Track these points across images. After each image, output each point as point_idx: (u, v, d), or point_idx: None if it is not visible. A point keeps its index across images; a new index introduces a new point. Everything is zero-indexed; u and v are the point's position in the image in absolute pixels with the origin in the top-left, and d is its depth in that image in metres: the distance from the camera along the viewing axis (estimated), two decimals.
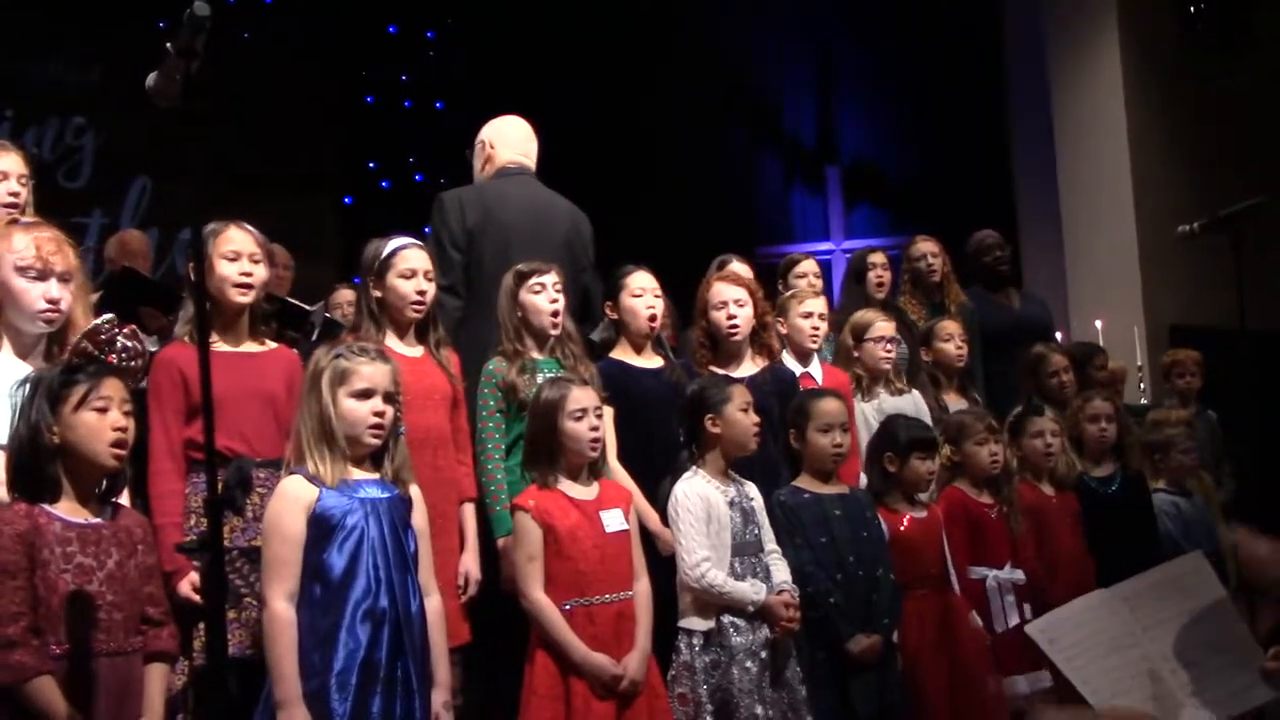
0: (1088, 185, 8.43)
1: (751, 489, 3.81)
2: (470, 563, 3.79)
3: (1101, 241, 8.28)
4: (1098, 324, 7.10)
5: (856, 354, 4.88)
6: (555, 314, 4.04)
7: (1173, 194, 7.99)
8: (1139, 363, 7.03)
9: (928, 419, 4.65)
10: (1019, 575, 4.31)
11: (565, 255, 4.46)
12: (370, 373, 3.06)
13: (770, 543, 3.77)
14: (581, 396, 3.52)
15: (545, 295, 4.04)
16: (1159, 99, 8.35)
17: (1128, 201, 8.11)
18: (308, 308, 4.54)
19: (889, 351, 4.83)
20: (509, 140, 4.68)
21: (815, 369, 4.71)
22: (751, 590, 3.60)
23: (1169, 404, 6.17)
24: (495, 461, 3.90)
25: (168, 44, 2.53)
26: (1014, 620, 4.23)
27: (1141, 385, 7.05)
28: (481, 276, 4.31)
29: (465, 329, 4.23)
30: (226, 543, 3.24)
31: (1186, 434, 5.21)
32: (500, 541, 3.82)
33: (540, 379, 3.88)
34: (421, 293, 3.83)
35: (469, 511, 3.86)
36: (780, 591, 3.66)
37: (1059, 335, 6.95)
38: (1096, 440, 4.92)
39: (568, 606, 3.39)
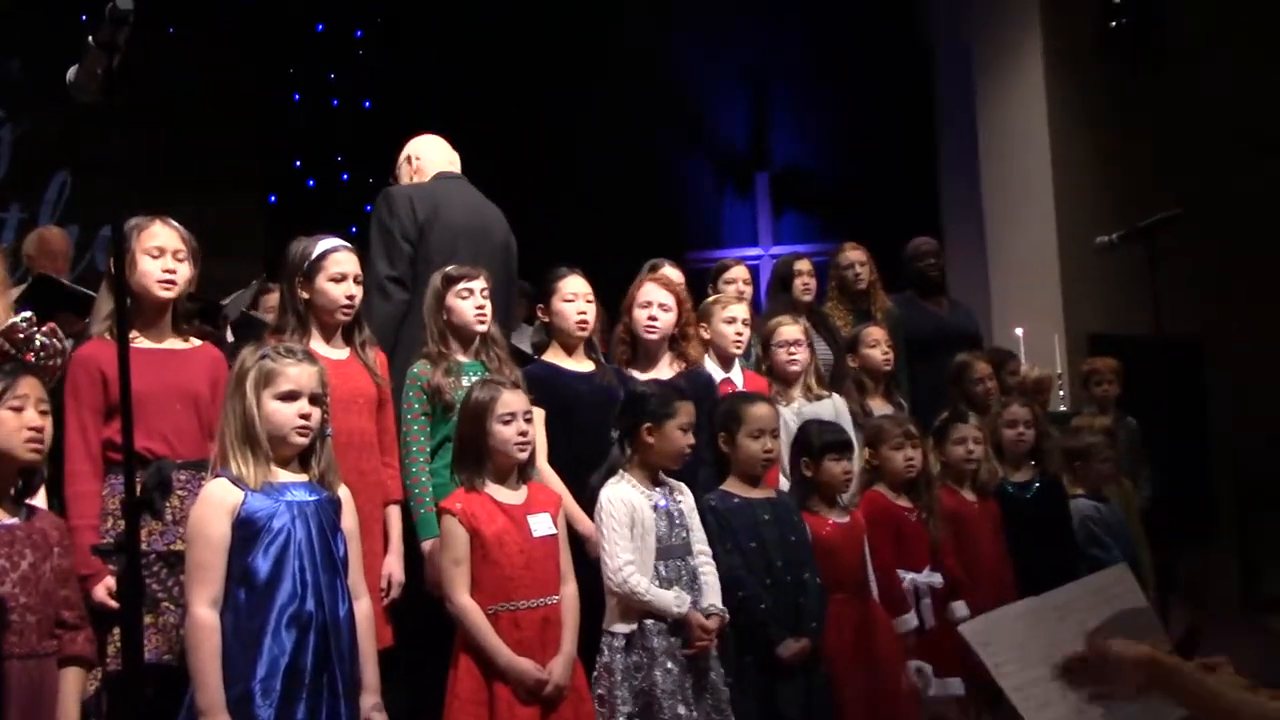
0: (1010, 195, 8.57)
1: (682, 492, 3.81)
2: (394, 565, 3.75)
3: (1023, 251, 8.41)
4: (1018, 332, 7.21)
5: (766, 359, 4.91)
6: (481, 319, 4.02)
7: (1093, 205, 8.15)
8: (1059, 370, 7.15)
9: (848, 423, 4.69)
10: (936, 579, 4.35)
11: (503, 258, 4.49)
12: (296, 374, 3.02)
13: (700, 544, 3.76)
14: (511, 400, 3.51)
15: (472, 300, 4.02)
16: (1080, 112, 8.51)
17: (1049, 212, 8.26)
18: (223, 302, 4.48)
19: (793, 355, 4.83)
20: (436, 152, 4.67)
21: (737, 374, 4.73)
22: (674, 600, 3.59)
23: (1088, 411, 6.28)
24: (420, 465, 3.88)
25: (89, 37, 2.48)
26: (930, 623, 4.28)
27: (1061, 392, 7.17)
28: (429, 273, 4.26)
29: (407, 325, 4.19)
30: (144, 546, 3.21)
31: (1106, 441, 5.30)
32: (425, 545, 3.79)
33: (466, 381, 3.87)
34: (351, 297, 3.78)
35: (394, 514, 3.82)
36: (709, 614, 3.65)
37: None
38: (1014, 445, 4.99)
39: (493, 611, 3.36)
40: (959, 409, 4.98)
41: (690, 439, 3.75)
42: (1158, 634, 2.76)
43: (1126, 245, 4.29)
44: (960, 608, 4.34)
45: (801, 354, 4.84)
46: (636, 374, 4.31)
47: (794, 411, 4.74)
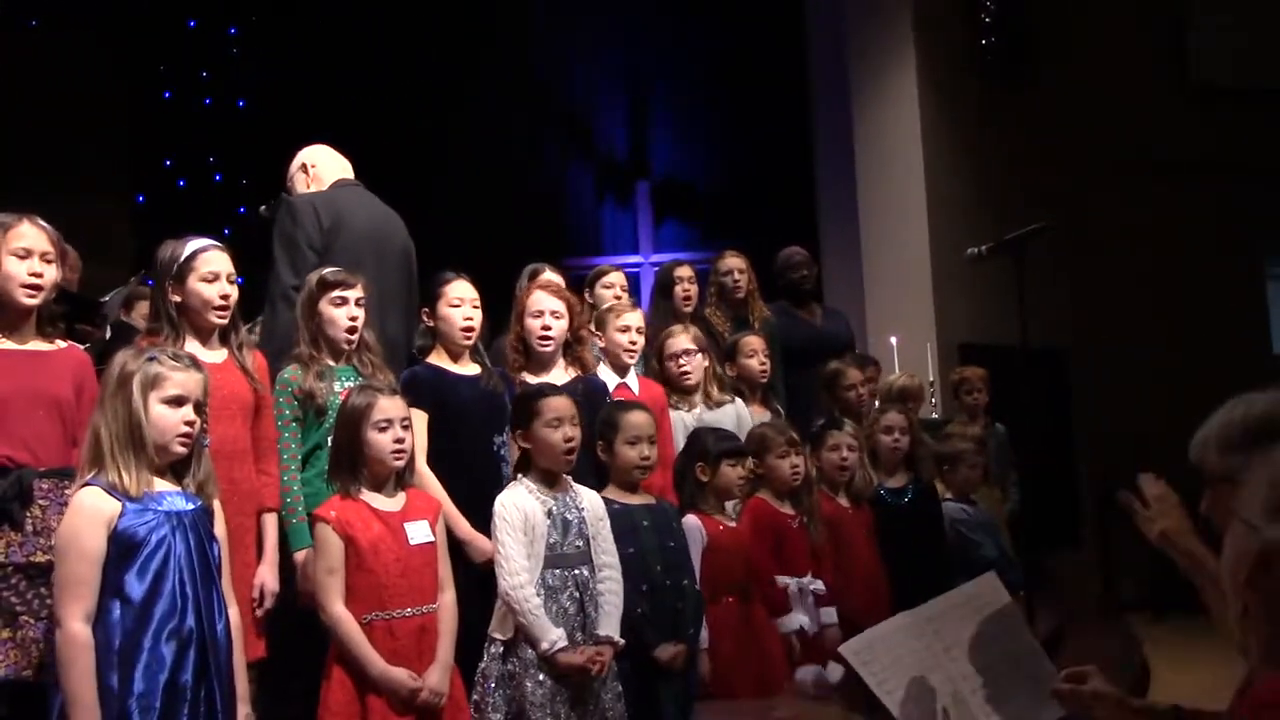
0: (885, 205, 8.74)
1: (584, 498, 3.76)
2: (267, 575, 3.68)
3: (897, 260, 8.58)
4: (893, 340, 7.34)
5: (660, 369, 4.94)
6: (352, 329, 3.99)
7: (964, 216, 8.36)
8: (931, 378, 7.29)
9: (749, 426, 4.74)
10: (819, 585, 4.40)
11: (405, 264, 4.48)
12: (183, 380, 2.96)
13: (605, 556, 3.71)
14: (388, 406, 3.48)
15: (346, 309, 3.98)
16: (953, 125, 8.73)
17: (922, 223, 8.44)
18: (101, 300, 4.35)
19: (683, 367, 4.87)
20: (331, 160, 4.64)
21: (632, 380, 4.75)
22: (547, 637, 3.50)
23: (959, 419, 6.42)
24: (292, 472, 3.83)
25: None
26: (814, 626, 4.33)
27: (933, 400, 7.31)
28: None
29: None
30: (2, 558, 3.10)
31: (975, 448, 5.42)
32: (297, 555, 3.74)
33: (338, 386, 3.84)
34: (225, 296, 3.70)
35: (269, 522, 3.75)
36: (599, 646, 3.57)
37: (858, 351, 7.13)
38: (890, 451, 5.07)
39: (368, 620, 3.33)
40: (833, 416, 5.04)
41: (564, 434, 3.68)
42: (1023, 634, 2.84)
43: (996, 256, 4.39)
44: (829, 614, 4.38)
45: (692, 363, 4.87)
46: (529, 378, 4.30)
47: (695, 418, 4.78)
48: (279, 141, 4.65)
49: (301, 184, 4.59)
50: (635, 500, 3.98)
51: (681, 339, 4.92)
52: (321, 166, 4.60)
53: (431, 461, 4.01)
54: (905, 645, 2.60)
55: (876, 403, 5.75)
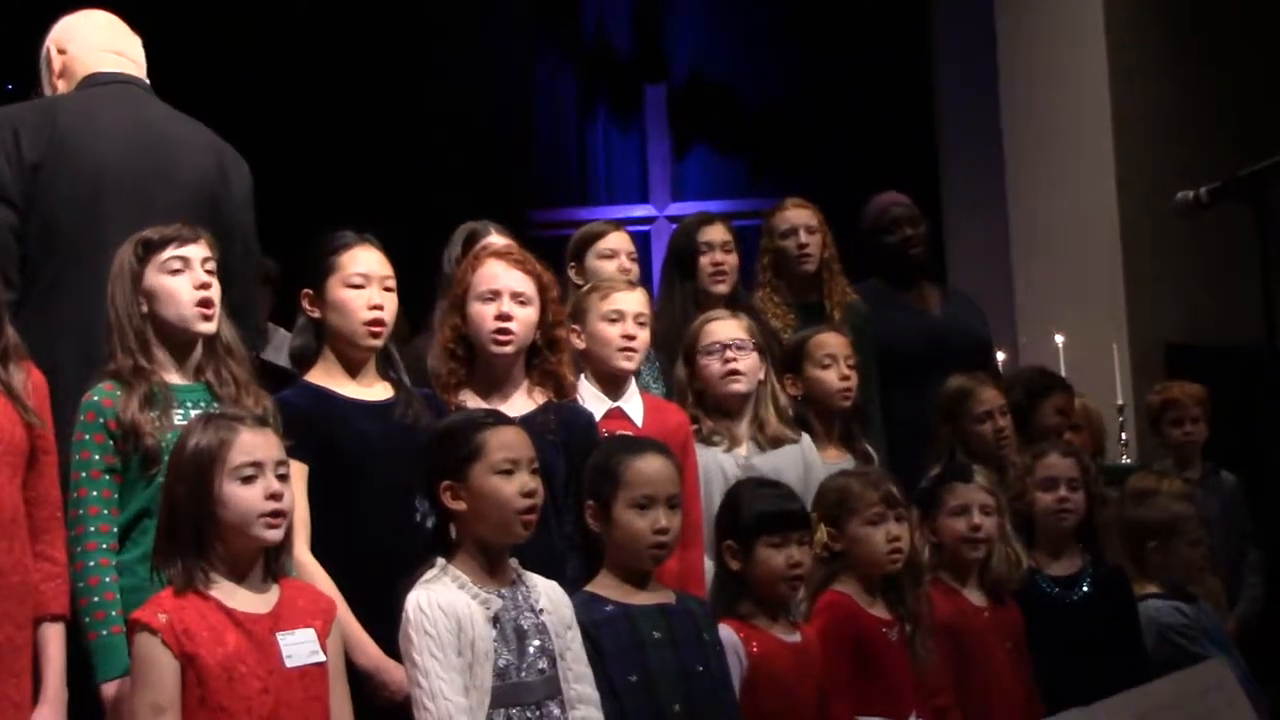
0: (1045, 132, 8.69)
1: (542, 593, 3.77)
2: None
3: (1064, 215, 8.53)
4: (1058, 340, 7.30)
5: (693, 378, 4.96)
6: (206, 306, 3.97)
7: (1171, 149, 8.28)
8: (1119, 401, 7.25)
9: (820, 477, 4.75)
10: None
11: (204, 214, 4.36)
12: None
13: (580, 685, 3.73)
14: (254, 444, 3.50)
15: (189, 277, 3.95)
16: (1155, 11, 8.67)
17: (1105, 157, 8.37)
18: None
19: (733, 367, 4.87)
20: (92, 36, 4.61)
21: (632, 403, 4.76)
22: None
23: (1161, 465, 6.38)
24: (102, 554, 3.78)
25: None
26: None
27: (1122, 436, 7.28)
28: (51, 248, 4.19)
29: (54, 334, 4.13)
30: None
31: (1196, 513, 5.38)
32: (106, 688, 3.70)
33: (180, 417, 3.83)
34: None
35: (53, 637, 3.72)
36: None
37: (999, 356, 7.11)
38: (1052, 518, 5.07)
39: None
40: (957, 460, 5.01)
41: (520, 487, 3.67)
42: None
43: (1222, 203, 4.37)
44: None
45: (745, 363, 4.90)
46: (472, 402, 4.31)
47: (738, 462, 4.80)
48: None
49: (48, 84, 4.60)
50: (643, 598, 3.97)
51: (728, 326, 4.96)
52: (76, 49, 4.57)
53: (315, 541, 4.00)
54: None
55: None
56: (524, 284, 4.38)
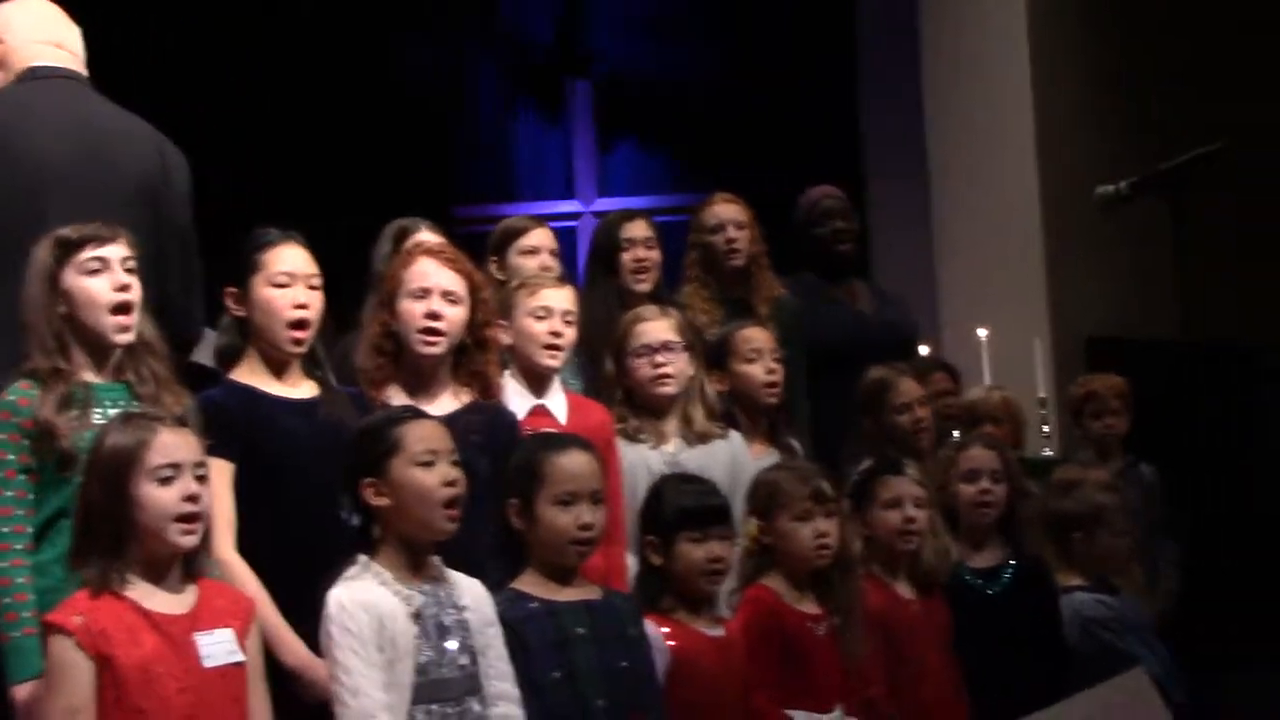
0: (968, 126, 8.72)
1: (464, 590, 3.78)
2: None
3: (987, 210, 8.57)
4: (981, 334, 7.33)
5: (621, 376, 4.96)
6: (124, 313, 3.94)
7: (1094, 142, 8.33)
8: (1040, 393, 7.28)
9: (752, 475, 4.75)
10: None
11: (144, 212, 4.39)
12: None
13: (501, 683, 3.73)
14: (172, 445, 3.48)
15: (108, 278, 3.93)
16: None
17: (1027, 151, 8.40)
18: None
19: (662, 369, 4.89)
20: (30, 27, 4.58)
21: (556, 401, 4.77)
22: None
23: (1083, 456, 6.40)
24: (15, 554, 3.76)
25: None
26: None
27: (1044, 428, 7.30)
28: None
29: None
30: None
31: (1119, 504, 5.40)
32: (18, 690, 3.68)
33: (99, 416, 3.80)
34: None
35: None
36: None
37: (923, 350, 7.13)
38: (975, 510, 5.09)
39: None
40: (886, 455, 5.01)
41: (441, 477, 3.68)
42: None
43: (1143, 198, 4.38)
44: None
45: (675, 365, 4.91)
46: (398, 399, 4.30)
47: (664, 459, 4.81)
48: None
49: None
50: (568, 594, 3.97)
51: (658, 326, 4.97)
52: (14, 40, 4.55)
53: (242, 539, 3.99)
54: None
55: (955, 434, 5.74)
56: (455, 283, 4.38)
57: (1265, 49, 8.88)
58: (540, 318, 4.74)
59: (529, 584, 3.96)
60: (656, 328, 4.97)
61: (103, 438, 3.54)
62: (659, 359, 4.91)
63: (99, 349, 3.96)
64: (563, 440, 4.18)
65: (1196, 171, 4.29)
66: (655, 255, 5.79)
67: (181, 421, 3.62)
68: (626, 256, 5.75)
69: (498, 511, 4.06)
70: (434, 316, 4.32)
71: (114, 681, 3.32)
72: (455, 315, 4.36)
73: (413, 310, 4.35)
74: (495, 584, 4.01)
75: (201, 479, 3.50)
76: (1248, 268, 8.55)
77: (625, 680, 3.93)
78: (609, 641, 3.95)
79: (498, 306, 4.74)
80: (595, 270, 5.88)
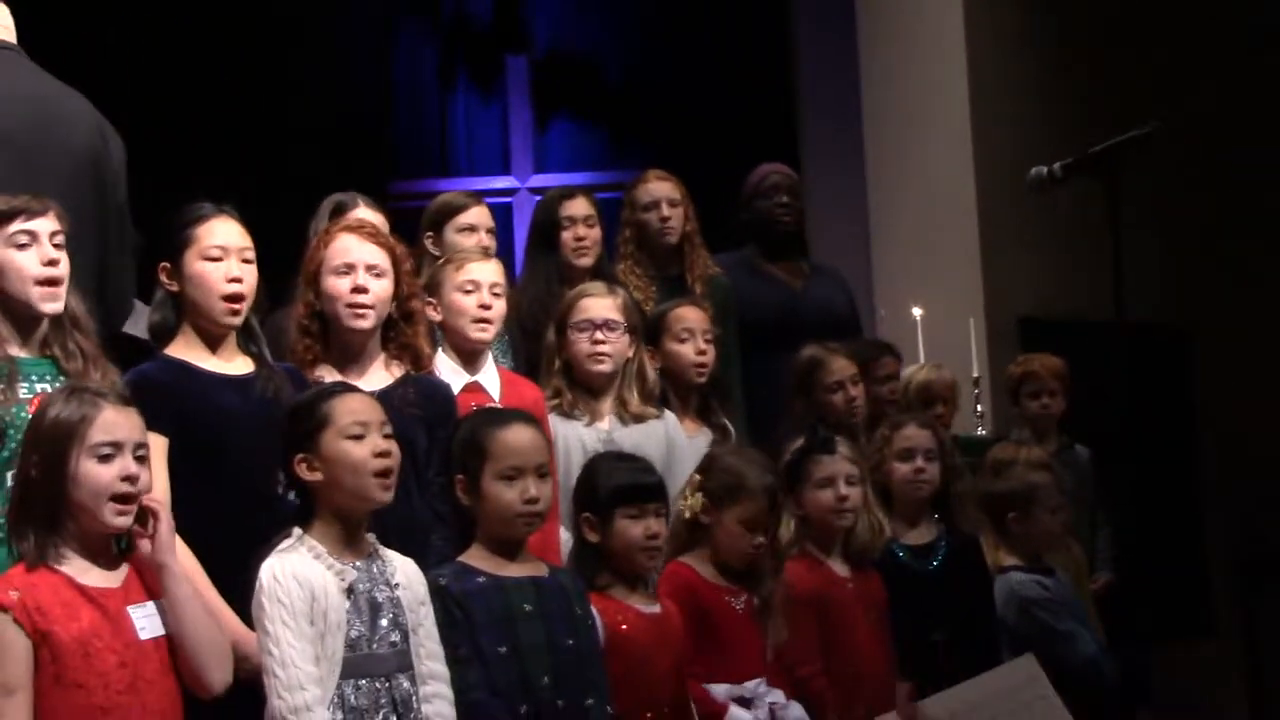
0: (902, 105, 8.74)
1: (398, 568, 3.77)
2: None
3: (921, 189, 8.59)
4: (915, 313, 7.35)
5: (561, 349, 4.99)
6: (51, 283, 3.91)
7: (1027, 123, 8.34)
8: (975, 373, 7.31)
9: (686, 456, 4.81)
10: (778, 695, 4.42)
11: (88, 182, 4.39)
12: None
13: (431, 662, 3.74)
14: (115, 423, 3.47)
15: (36, 252, 3.90)
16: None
17: (962, 131, 8.40)
18: None
19: (600, 346, 4.91)
20: None
21: (489, 376, 4.78)
22: None
23: (1019, 436, 6.44)
24: None
25: None
26: None
27: (978, 408, 7.34)
28: None
29: None
30: None
31: (1054, 482, 5.45)
32: None
33: (26, 391, 3.79)
34: None
35: None
36: None
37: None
38: (909, 486, 5.13)
39: None
40: (820, 433, 5.03)
41: (372, 448, 3.68)
42: None
43: (1076, 180, 4.41)
44: None
45: (613, 344, 4.93)
46: (329, 376, 4.30)
47: (599, 436, 4.83)
48: None
49: None
50: (514, 570, 3.98)
51: (603, 303, 4.98)
52: None
53: (177, 514, 3.87)
54: None
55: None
56: (378, 256, 4.38)
57: (1197, 31, 8.96)
58: (468, 291, 4.76)
59: (476, 558, 3.97)
60: (601, 305, 4.99)
61: (46, 408, 3.51)
62: (598, 335, 4.93)
63: (25, 322, 3.92)
64: (507, 415, 4.19)
65: (1129, 153, 4.31)
66: (596, 233, 5.80)
67: (123, 398, 3.58)
68: (567, 235, 5.75)
69: (437, 483, 4.08)
70: (360, 290, 4.32)
71: (52, 657, 3.31)
72: (381, 288, 4.36)
73: (338, 286, 4.34)
74: (439, 556, 4.03)
75: (142, 460, 3.49)
76: (1180, 249, 8.64)
77: (570, 658, 3.94)
78: (555, 619, 3.96)
79: (426, 284, 4.76)
80: (536, 247, 5.87)
